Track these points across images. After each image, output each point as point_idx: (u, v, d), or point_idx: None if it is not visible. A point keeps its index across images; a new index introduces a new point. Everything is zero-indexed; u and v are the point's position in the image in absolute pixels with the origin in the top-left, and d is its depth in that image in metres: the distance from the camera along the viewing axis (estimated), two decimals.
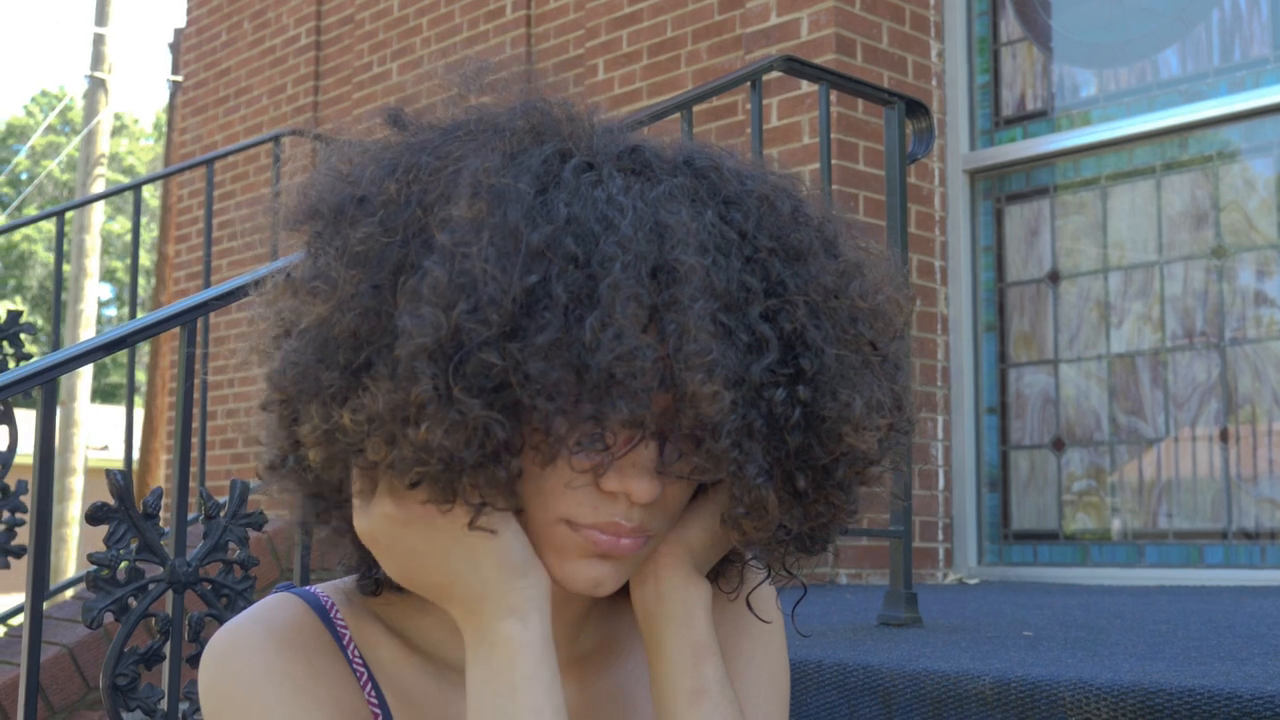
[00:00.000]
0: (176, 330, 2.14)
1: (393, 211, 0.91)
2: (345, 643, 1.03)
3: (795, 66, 2.65)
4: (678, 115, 2.56)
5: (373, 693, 1.01)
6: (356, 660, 1.02)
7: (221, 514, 2.03)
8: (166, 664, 2.02)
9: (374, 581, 1.04)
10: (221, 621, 2.02)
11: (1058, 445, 4.35)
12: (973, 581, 4.30)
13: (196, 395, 3.92)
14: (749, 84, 2.61)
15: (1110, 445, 4.24)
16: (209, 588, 2.03)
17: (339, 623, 1.04)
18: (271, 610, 1.03)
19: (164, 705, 2.01)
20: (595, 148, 0.96)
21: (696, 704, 0.97)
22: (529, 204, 0.89)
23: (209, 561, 2.02)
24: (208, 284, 4.21)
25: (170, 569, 1.98)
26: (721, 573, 1.09)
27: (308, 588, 1.07)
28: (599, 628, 1.09)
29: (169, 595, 2.02)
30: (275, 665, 0.98)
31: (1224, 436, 4.00)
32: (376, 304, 0.88)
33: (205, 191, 4.04)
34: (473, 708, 0.92)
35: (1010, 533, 4.42)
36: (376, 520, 0.94)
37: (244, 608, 2.11)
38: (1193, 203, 4.13)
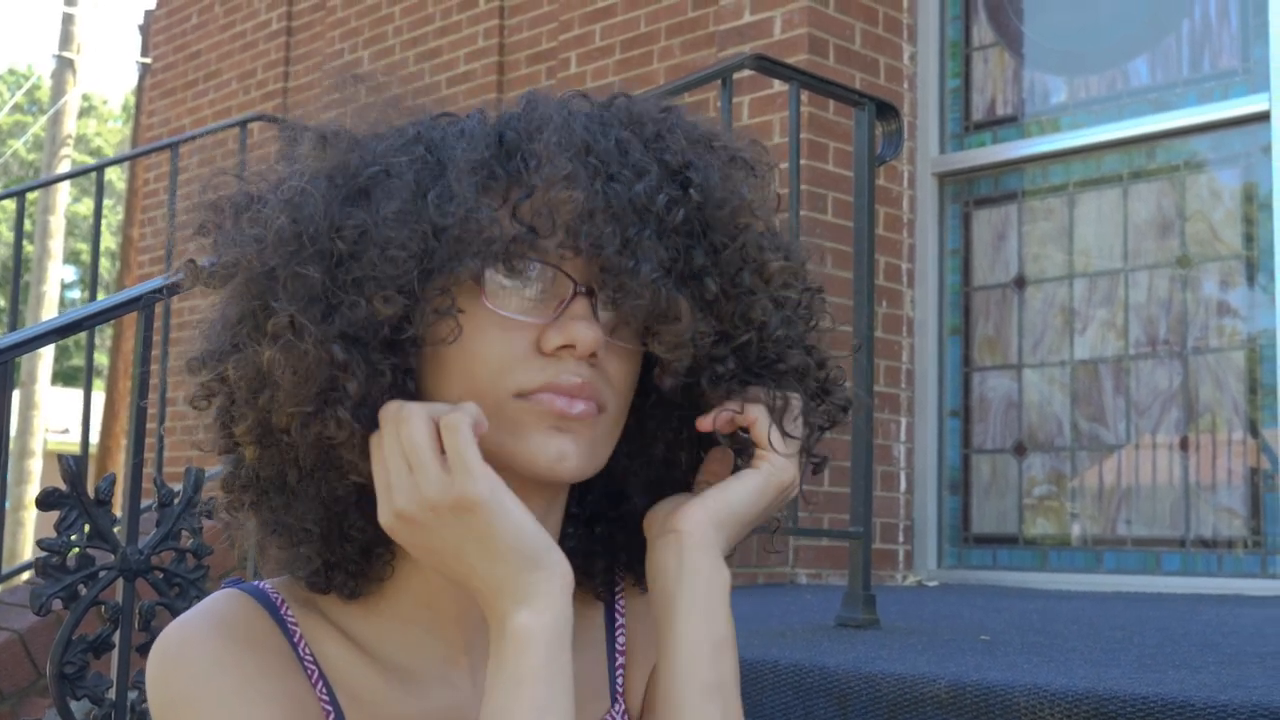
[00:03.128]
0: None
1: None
2: (296, 640, 1.02)
3: (766, 65, 2.65)
4: None
5: (324, 690, 1.00)
6: (307, 657, 1.01)
7: (175, 501, 2.00)
8: (116, 653, 2.00)
9: (325, 578, 1.02)
10: (173, 610, 2.00)
11: (1019, 450, 4.36)
12: (932, 584, 4.32)
13: (155, 381, 3.88)
14: (720, 81, 2.60)
15: (1071, 451, 4.26)
16: (161, 576, 2.00)
17: (289, 619, 1.02)
18: (220, 606, 1.02)
19: (112, 694, 1.99)
20: None
21: (711, 700, 0.96)
22: (379, 136, 1.01)
23: (161, 550, 2.00)
24: (170, 268, 4.17)
25: (121, 556, 1.95)
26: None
27: (255, 583, 1.05)
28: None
29: (119, 583, 2.00)
30: (226, 661, 0.97)
31: (1184, 445, 4.02)
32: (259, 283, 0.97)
33: (170, 175, 4.00)
34: (485, 698, 0.92)
35: (970, 536, 4.44)
36: (391, 519, 0.95)
37: (196, 596, 2.10)
38: (1159, 212, 4.15)
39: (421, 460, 0.92)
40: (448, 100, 5.83)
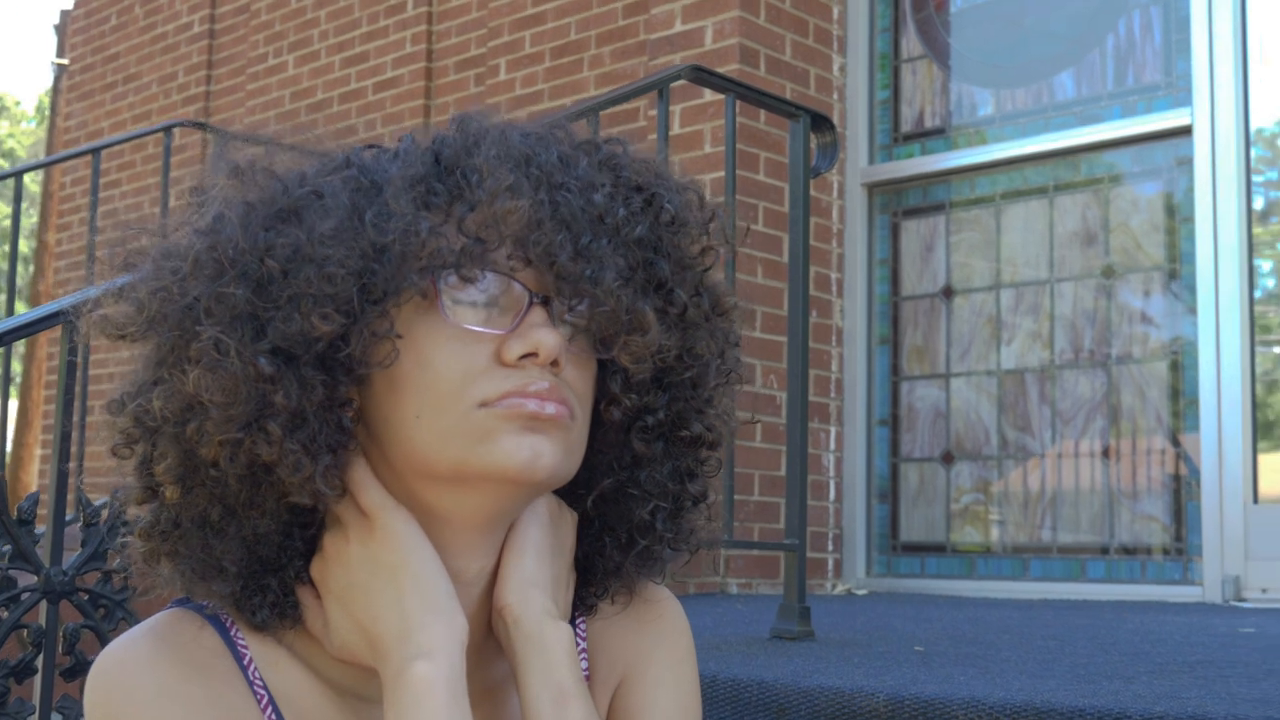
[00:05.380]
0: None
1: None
2: (245, 663, 0.99)
3: (703, 77, 2.64)
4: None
5: (273, 716, 0.98)
6: (257, 682, 0.99)
7: (102, 520, 1.95)
8: (39, 678, 1.94)
9: (265, 609, 1.00)
10: (99, 633, 1.95)
11: (947, 458, 4.40)
12: (861, 592, 4.34)
13: (77, 388, 3.79)
14: (656, 91, 2.59)
15: (998, 460, 4.30)
16: (86, 598, 1.94)
17: (239, 641, 1.00)
18: (167, 625, 0.99)
19: None
20: None
21: None
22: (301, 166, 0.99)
23: (87, 570, 1.94)
24: (92, 277, 4.08)
25: (45, 578, 1.89)
26: (609, 590, 1.09)
27: (204, 604, 1.02)
28: (503, 656, 1.06)
29: (43, 605, 1.94)
30: (169, 684, 0.95)
31: (1107, 453, 4.08)
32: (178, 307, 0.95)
33: (91, 180, 3.91)
34: None
35: (899, 544, 4.47)
36: (330, 558, 0.97)
37: (123, 618, 2.05)
38: (1083, 223, 4.21)
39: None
40: (375, 106, 5.78)
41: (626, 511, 1.05)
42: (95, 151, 4.01)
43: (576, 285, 0.95)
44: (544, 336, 0.94)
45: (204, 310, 0.92)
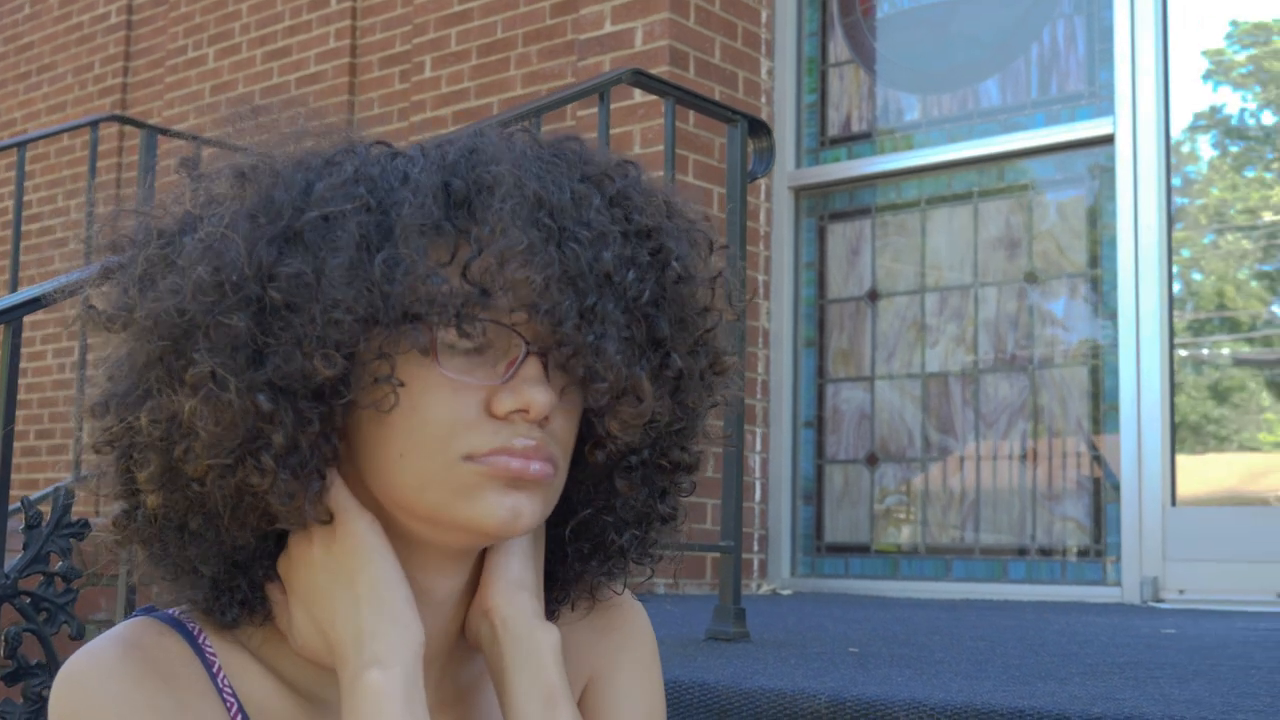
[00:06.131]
0: None
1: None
2: (215, 671, 0.98)
3: (643, 80, 2.65)
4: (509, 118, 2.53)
5: None
6: (226, 690, 0.98)
7: (44, 523, 1.91)
8: None
9: (235, 606, 0.99)
10: (41, 637, 1.91)
11: (871, 460, 4.45)
12: (786, 593, 4.37)
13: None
14: (597, 95, 2.59)
15: (922, 462, 4.36)
16: (28, 601, 1.91)
17: (207, 649, 0.99)
18: (134, 633, 0.98)
19: None
20: None
21: None
22: (307, 169, 0.94)
23: (29, 574, 1.90)
24: (15, 273, 3.99)
25: None
26: (571, 596, 1.10)
27: (170, 611, 1.01)
28: (474, 659, 1.07)
29: None
30: (137, 694, 0.93)
31: (1029, 456, 4.15)
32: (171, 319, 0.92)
33: (16, 174, 3.81)
34: None
35: (823, 545, 4.51)
36: (295, 559, 0.97)
37: (65, 622, 2.01)
38: (1007, 229, 4.28)
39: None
40: (297, 102, 5.71)
41: (600, 534, 1.06)
42: (21, 145, 3.91)
43: (578, 351, 0.93)
44: (536, 395, 0.92)
45: (203, 334, 0.89)
